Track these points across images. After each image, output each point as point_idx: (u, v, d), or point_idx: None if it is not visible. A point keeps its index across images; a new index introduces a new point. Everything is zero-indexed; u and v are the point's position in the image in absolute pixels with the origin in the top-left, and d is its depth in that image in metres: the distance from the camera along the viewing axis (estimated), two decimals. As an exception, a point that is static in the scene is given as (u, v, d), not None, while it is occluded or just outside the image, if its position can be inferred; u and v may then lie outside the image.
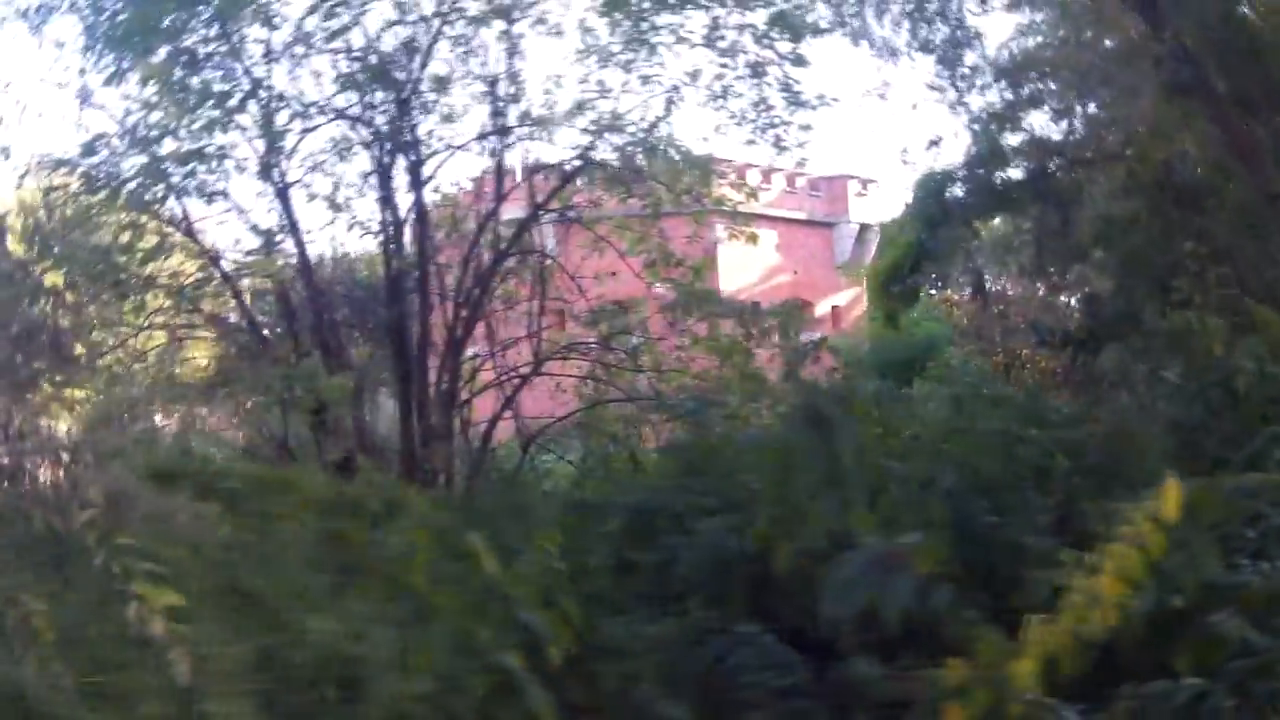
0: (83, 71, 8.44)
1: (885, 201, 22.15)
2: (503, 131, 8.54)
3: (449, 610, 3.13)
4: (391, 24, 8.60)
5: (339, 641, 2.86)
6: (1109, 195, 10.31)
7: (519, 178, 9.34)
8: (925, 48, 10.20)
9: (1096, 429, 7.01)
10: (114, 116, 8.77)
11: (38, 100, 10.26)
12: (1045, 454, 6.15)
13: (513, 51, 8.59)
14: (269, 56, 8.85)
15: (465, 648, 3.30)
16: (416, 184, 8.41)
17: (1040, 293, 16.14)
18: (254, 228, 8.20)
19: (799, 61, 8.90)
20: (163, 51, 8.77)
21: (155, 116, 8.08)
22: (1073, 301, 17.38)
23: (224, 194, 8.22)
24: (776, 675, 4.05)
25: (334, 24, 8.51)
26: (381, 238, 8.58)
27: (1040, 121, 10.46)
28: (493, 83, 8.60)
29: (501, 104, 8.52)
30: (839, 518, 4.91)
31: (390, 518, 3.53)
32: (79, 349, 9.17)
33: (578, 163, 8.75)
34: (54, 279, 8.39)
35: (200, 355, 9.37)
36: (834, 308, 21.24)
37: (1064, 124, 10.17)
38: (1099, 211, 10.11)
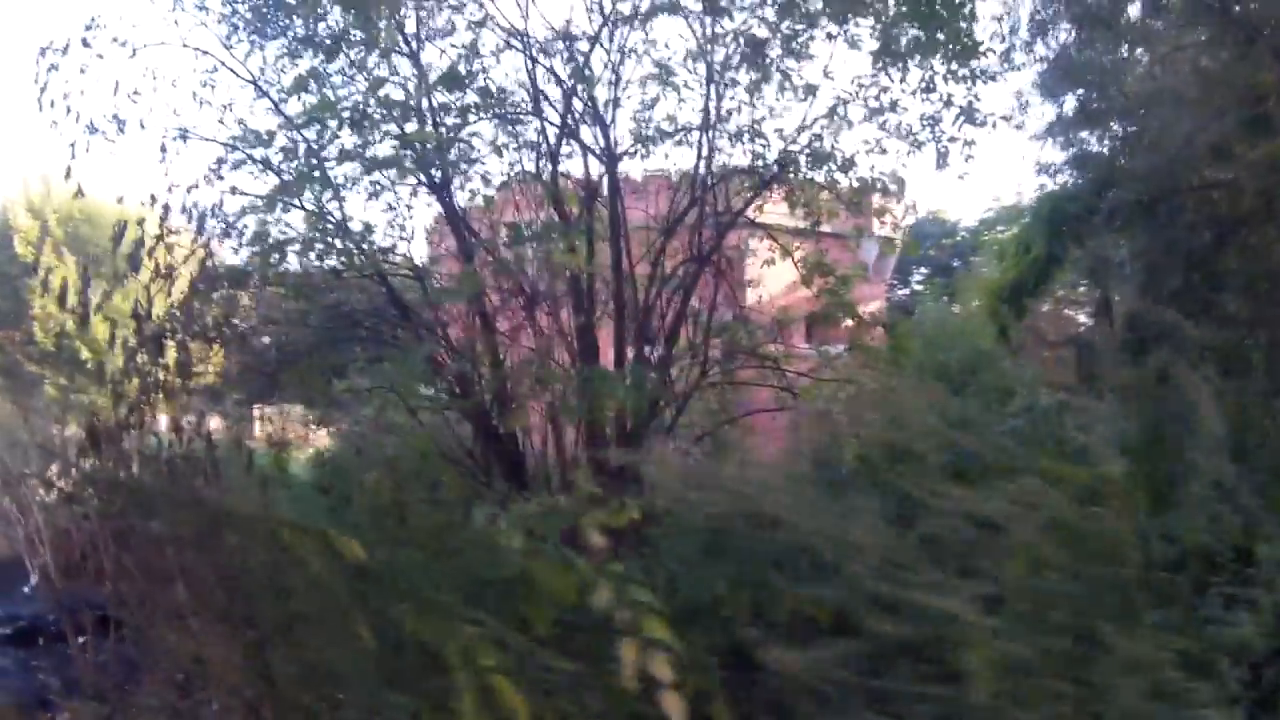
0: (260, 41, 7.76)
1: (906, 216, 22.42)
2: (706, 128, 8.28)
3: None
4: None
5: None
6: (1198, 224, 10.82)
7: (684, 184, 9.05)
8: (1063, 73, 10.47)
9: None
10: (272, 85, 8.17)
11: (170, 69, 9.43)
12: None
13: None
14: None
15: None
16: (614, 190, 8.06)
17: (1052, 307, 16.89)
18: (467, 228, 7.66)
19: (974, 79, 8.97)
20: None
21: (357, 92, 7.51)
22: (1080, 316, 18.34)
23: (428, 184, 7.65)
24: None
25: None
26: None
27: (1158, 150, 10.85)
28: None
29: (706, 110, 8.27)
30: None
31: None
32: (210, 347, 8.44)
33: (774, 169, 8.57)
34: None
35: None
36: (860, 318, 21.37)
37: (1178, 151, 10.56)
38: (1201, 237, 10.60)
